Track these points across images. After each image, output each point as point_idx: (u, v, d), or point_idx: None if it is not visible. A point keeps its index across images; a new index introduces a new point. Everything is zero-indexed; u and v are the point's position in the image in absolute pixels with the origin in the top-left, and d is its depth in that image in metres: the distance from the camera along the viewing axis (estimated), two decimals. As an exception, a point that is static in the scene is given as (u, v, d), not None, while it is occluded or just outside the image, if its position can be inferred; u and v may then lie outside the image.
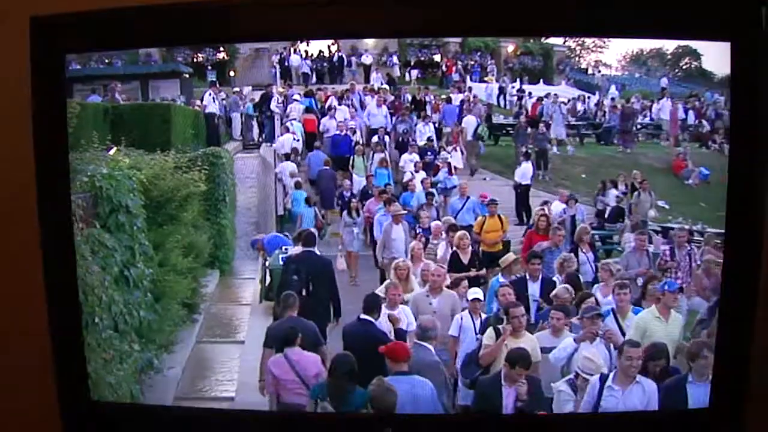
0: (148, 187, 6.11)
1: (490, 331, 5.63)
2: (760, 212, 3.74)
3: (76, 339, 4.13)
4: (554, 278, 6.83)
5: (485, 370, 5.49)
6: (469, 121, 10.61)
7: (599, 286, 6.76)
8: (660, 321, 5.79)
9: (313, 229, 7.97)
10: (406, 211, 8.62)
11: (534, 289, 6.66)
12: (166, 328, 6.07)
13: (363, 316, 5.69)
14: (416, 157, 9.92)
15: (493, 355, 5.47)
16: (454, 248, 7.70)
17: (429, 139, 10.20)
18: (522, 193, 9.66)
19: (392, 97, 10.51)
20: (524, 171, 9.81)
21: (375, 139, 10.23)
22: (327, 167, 9.98)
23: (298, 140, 10.36)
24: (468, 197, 9.23)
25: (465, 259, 7.61)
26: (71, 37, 3.93)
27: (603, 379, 4.85)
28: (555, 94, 10.55)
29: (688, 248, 7.49)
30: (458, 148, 10.12)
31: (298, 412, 5.00)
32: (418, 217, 8.76)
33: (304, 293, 6.50)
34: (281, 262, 7.35)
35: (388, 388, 4.55)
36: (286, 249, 7.64)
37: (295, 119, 10.59)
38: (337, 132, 10.23)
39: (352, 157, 10.13)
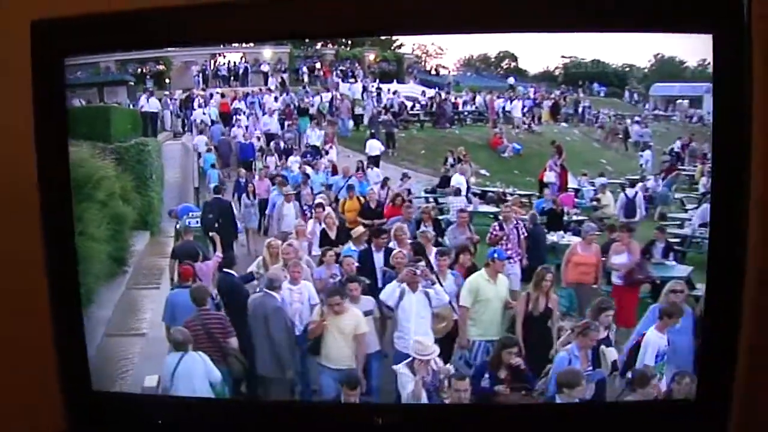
0: (65, 173, 5.88)
1: (318, 307, 5.49)
2: (744, 202, 3.24)
3: (78, 337, 4.12)
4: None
5: (315, 341, 5.34)
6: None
7: (422, 250, 6.56)
8: (489, 283, 5.81)
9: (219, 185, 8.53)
10: (295, 192, 8.46)
11: (378, 258, 6.52)
12: (89, 283, 5.89)
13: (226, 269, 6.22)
14: (299, 159, 9.71)
15: (316, 331, 5.32)
16: (323, 225, 7.48)
17: (308, 145, 10.00)
18: (372, 163, 9.63)
19: (281, 101, 10.25)
20: (370, 146, 9.86)
21: (272, 144, 10.04)
22: (224, 137, 10.04)
23: (205, 114, 10.27)
24: (350, 177, 8.99)
25: (332, 234, 7.43)
26: (71, 41, 3.59)
27: None
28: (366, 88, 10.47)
29: (515, 222, 7.15)
30: (333, 147, 9.95)
31: (295, 401, 4.86)
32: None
33: (216, 225, 7.27)
34: (187, 225, 7.45)
35: (205, 289, 5.62)
36: (192, 215, 7.57)
37: (213, 106, 10.42)
38: (243, 141, 10.01)
39: (254, 161, 9.91)
